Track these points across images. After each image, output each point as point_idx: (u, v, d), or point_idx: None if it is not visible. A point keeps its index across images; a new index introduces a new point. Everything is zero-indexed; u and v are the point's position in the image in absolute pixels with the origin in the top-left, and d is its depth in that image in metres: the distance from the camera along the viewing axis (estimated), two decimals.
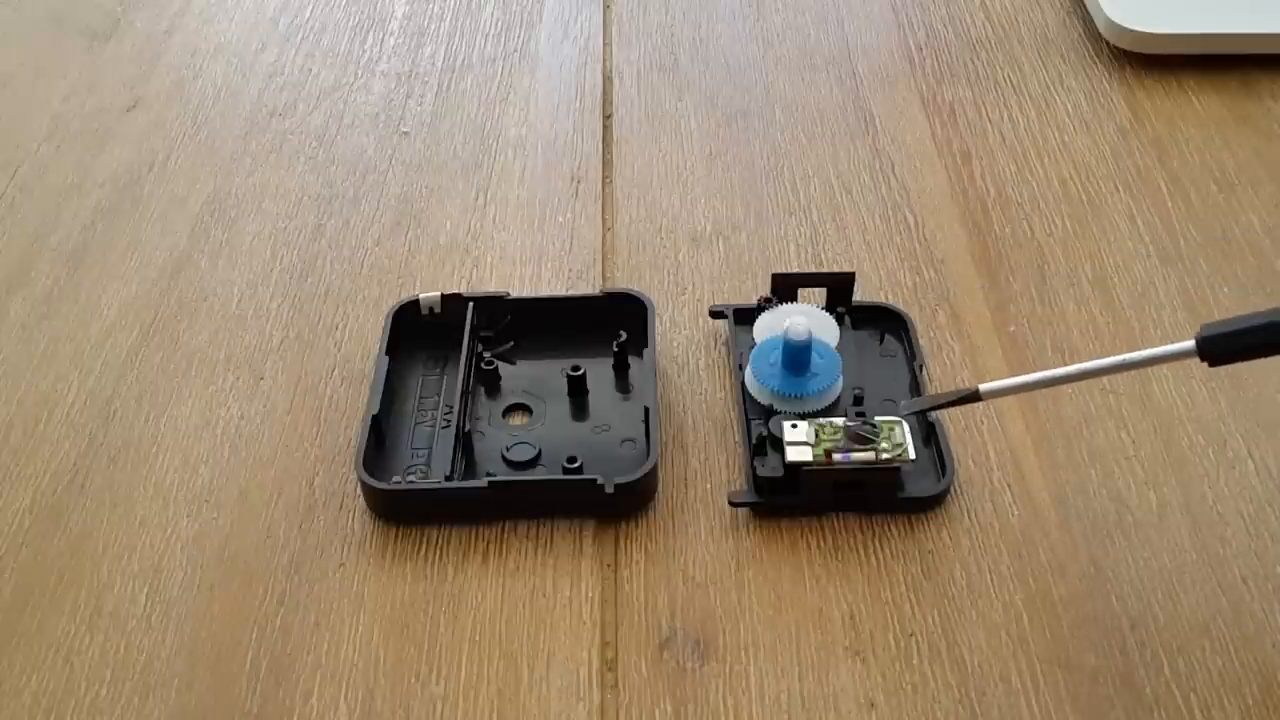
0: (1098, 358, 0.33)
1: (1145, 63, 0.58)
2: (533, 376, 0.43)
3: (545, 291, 0.47)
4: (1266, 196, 0.50)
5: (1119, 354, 0.33)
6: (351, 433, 0.41)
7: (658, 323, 0.43)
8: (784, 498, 0.38)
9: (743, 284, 0.47)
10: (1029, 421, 0.41)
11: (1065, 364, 0.43)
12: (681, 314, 0.46)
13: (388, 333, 0.42)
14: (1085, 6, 0.61)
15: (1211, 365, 0.32)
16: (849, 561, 0.37)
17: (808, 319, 0.40)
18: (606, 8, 0.64)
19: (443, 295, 0.43)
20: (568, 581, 0.37)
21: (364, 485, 0.38)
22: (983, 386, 0.35)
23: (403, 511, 0.38)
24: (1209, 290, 0.46)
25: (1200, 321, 0.44)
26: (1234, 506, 0.38)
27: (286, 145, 0.55)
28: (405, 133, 0.55)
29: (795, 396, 0.40)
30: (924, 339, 0.44)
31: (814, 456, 0.37)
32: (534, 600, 0.36)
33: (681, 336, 0.45)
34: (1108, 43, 0.58)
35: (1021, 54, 0.59)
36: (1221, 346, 0.32)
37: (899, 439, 0.37)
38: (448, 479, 0.38)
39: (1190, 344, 0.32)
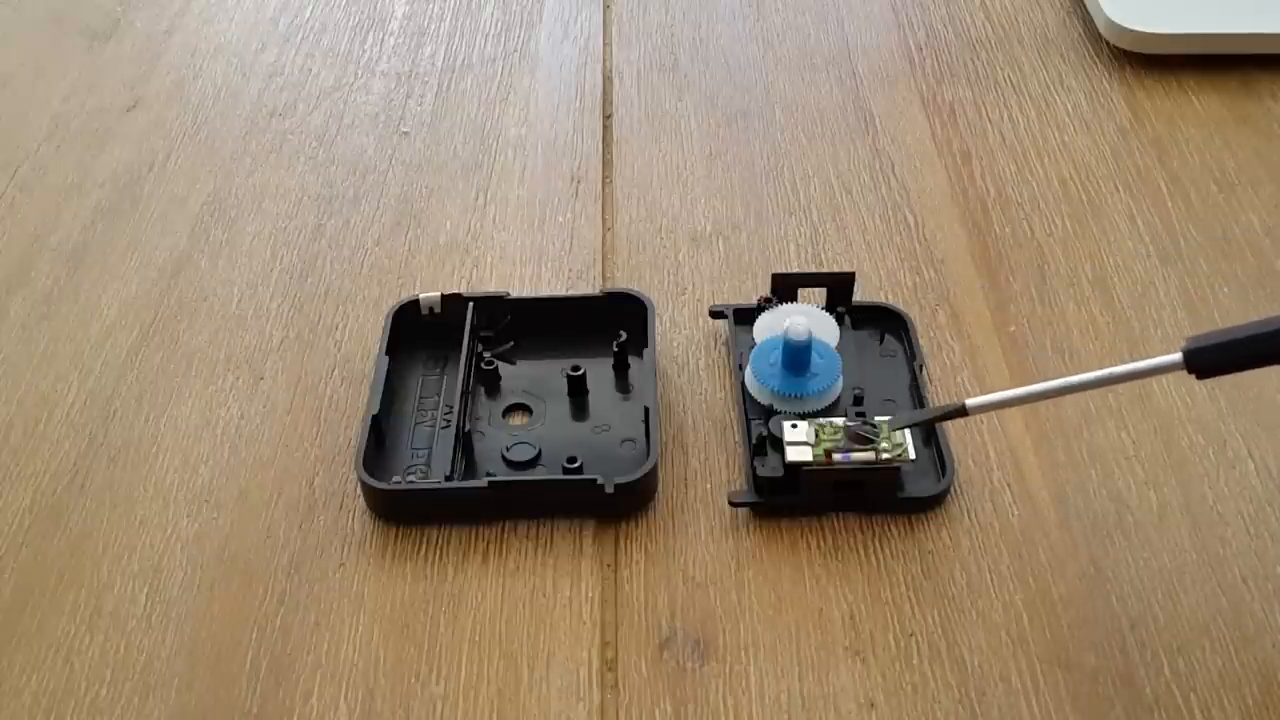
0: (1092, 365, 0.33)
1: (1145, 63, 0.58)
2: (533, 376, 0.43)
3: (545, 291, 0.47)
4: (1266, 196, 0.50)
5: (1107, 367, 0.33)
6: (351, 433, 0.41)
7: (658, 323, 0.43)
8: (784, 498, 0.38)
9: (743, 284, 0.47)
10: (1029, 421, 0.41)
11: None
12: (681, 314, 0.46)
13: (388, 333, 0.42)
14: (1085, 6, 0.61)
15: (1200, 378, 0.32)
16: (849, 561, 0.37)
17: (808, 319, 0.40)
18: (606, 8, 0.64)
19: (443, 295, 0.43)
20: (568, 581, 0.37)
21: (364, 485, 0.38)
22: (969, 402, 0.35)
23: (403, 511, 0.38)
24: (1209, 290, 0.46)
25: (1200, 322, 0.44)
26: (1234, 506, 0.38)
27: (286, 145, 0.55)
28: (405, 133, 0.55)
29: (795, 396, 0.40)
30: (924, 339, 0.44)
31: (814, 456, 0.37)
32: (534, 600, 0.36)
33: (681, 336, 0.45)
34: (1108, 43, 0.58)
35: (1021, 54, 0.59)
36: (1208, 359, 0.31)
37: (899, 439, 0.37)
38: (448, 479, 0.38)
39: (1177, 356, 0.31)
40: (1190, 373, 0.31)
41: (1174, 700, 0.33)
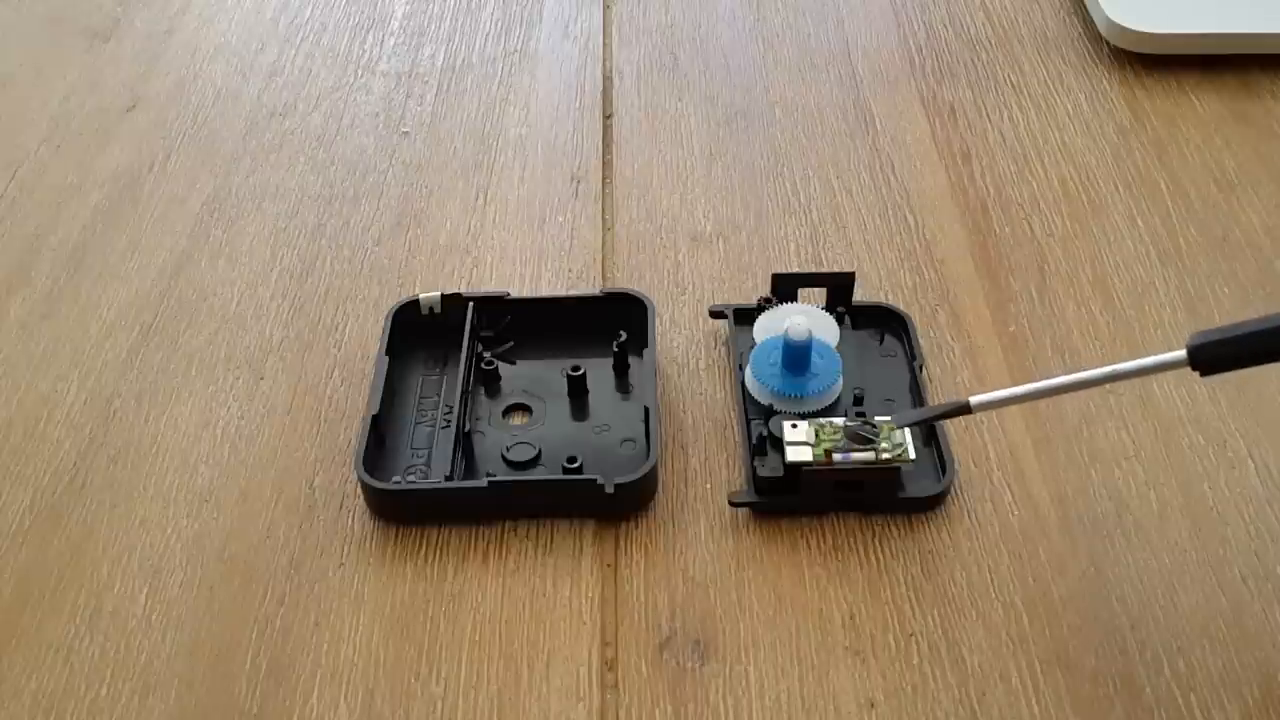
0: (1092, 365, 0.33)
1: (1145, 63, 0.58)
2: (533, 376, 0.43)
3: (545, 291, 0.47)
4: (1266, 196, 0.50)
5: (1111, 364, 0.33)
6: (351, 433, 0.41)
7: (658, 323, 0.43)
8: (784, 498, 0.38)
9: (743, 284, 0.47)
10: (1029, 422, 0.41)
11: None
12: (681, 314, 0.46)
13: (388, 333, 0.42)
14: (1085, 6, 0.61)
15: (1203, 375, 0.31)
16: (849, 561, 0.37)
17: (808, 319, 0.40)
18: (606, 8, 0.64)
19: (443, 295, 0.43)
20: (568, 581, 0.37)
21: (364, 485, 0.38)
22: (974, 399, 0.35)
23: (403, 511, 0.38)
24: (1209, 290, 0.46)
25: (1200, 322, 0.44)
26: (1234, 506, 0.38)
27: (286, 145, 0.55)
28: (405, 133, 0.55)
29: (795, 396, 0.40)
30: (924, 339, 0.44)
31: (814, 456, 0.37)
32: (534, 600, 0.36)
33: (681, 336, 0.45)
34: (1108, 43, 0.58)
35: (1021, 54, 0.59)
36: (1213, 355, 0.31)
37: (899, 439, 0.37)
38: (448, 479, 0.38)
39: (1181, 354, 0.31)
40: (1194, 369, 0.31)
41: (1174, 700, 0.33)
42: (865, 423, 0.38)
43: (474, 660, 0.35)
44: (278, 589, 0.37)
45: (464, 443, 0.39)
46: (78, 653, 0.35)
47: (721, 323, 0.45)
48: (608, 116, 0.56)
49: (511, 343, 0.43)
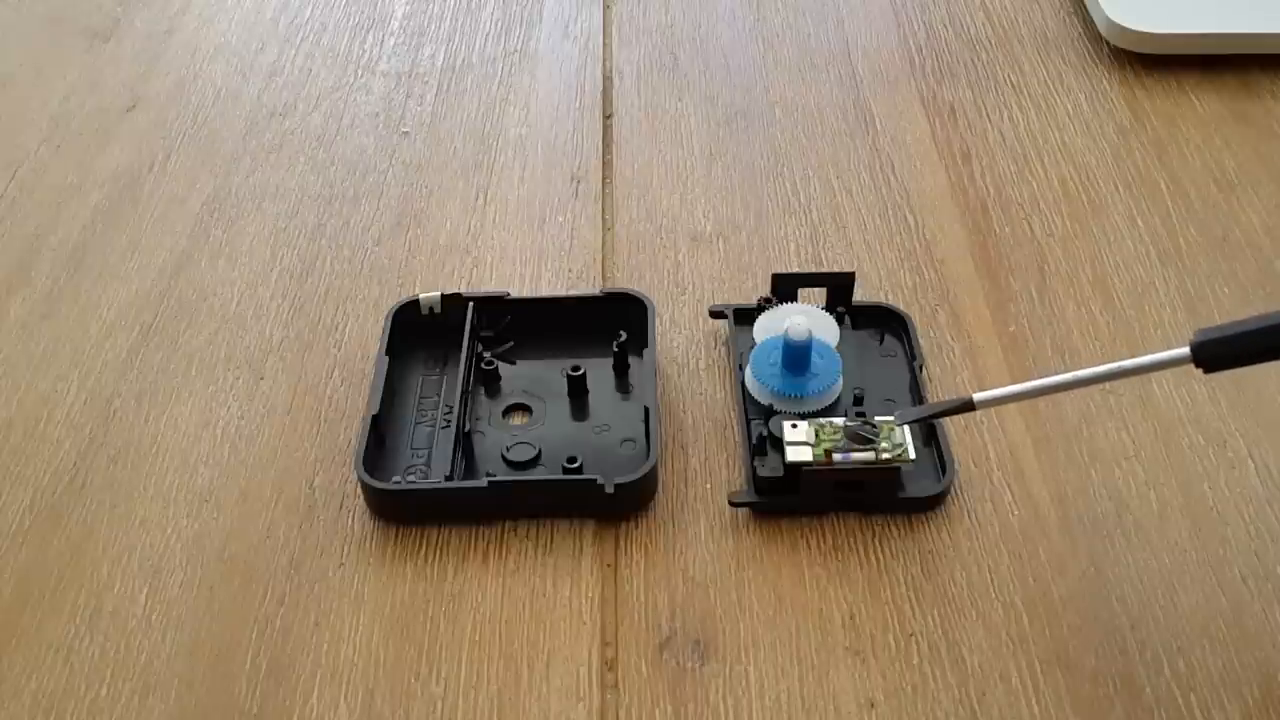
0: (1093, 365, 0.33)
1: (1145, 63, 0.58)
2: (533, 376, 0.43)
3: (545, 291, 0.47)
4: (1266, 196, 0.50)
5: (1114, 361, 0.33)
6: (351, 433, 0.41)
7: (658, 323, 0.43)
8: (784, 498, 0.38)
9: (743, 284, 0.47)
10: (1029, 422, 0.41)
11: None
12: (681, 314, 0.46)
13: (388, 333, 0.42)
14: (1085, 6, 0.61)
15: (1207, 372, 0.31)
16: (849, 561, 0.37)
17: (808, 319, 0.40)
18: (606, 8, 0.64)
19: (443, 295, 0.43)
20: (568, 581, 0.37)
21: (364, 485, 0.38)
22: (977, 396, 0.35)
23: (403, 511, 0.38)
24: (1209, 290, 0.46)
25: (1200, 322, 0.44)
26: (1234, 506, 0.38)
27: (286, 145, 0.55)
28: (405, 133, 0.55)
29: (795, 396, 0.40)
30: (924, 339, 0.44)
31: (814, 456, 0.37)
32: (534, 600, 0.36)
33: (681, 336, 0.45)
34: (1108, 43, 0.58)
35: (1021, 54, 0.59)
36: (1216, 353, 0.31)
37: (899, 439, 0.37)
38: (448, 479, 0.38)
39: (1185, 351, 0.31)
40: (1198, 366, 0.31)
41: (1174, 700, 0.33)
42: (865, 423, 0.38)
43: (474, 660, 0.35)
44: (278, 589, 0.37)
45: (464, 443, 0.39)
46: (78, 653, 0.35)
47: (721, 323, 0.45)
48: (608, 116, 0.56)
49: (511, 343, 0.43)
